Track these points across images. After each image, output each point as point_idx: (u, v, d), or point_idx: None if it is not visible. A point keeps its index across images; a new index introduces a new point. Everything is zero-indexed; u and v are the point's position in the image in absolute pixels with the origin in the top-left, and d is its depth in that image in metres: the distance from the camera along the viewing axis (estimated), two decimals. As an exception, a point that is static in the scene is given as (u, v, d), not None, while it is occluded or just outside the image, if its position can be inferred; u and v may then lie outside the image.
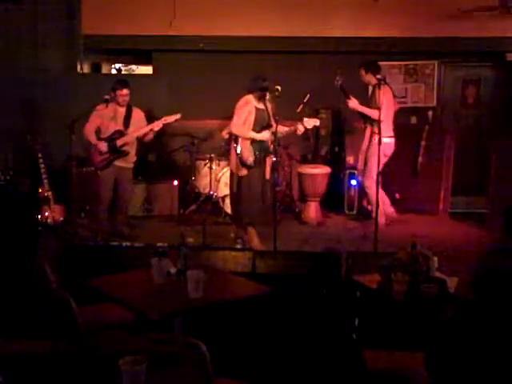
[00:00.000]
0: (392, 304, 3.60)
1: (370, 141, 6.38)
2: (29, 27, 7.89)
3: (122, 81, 6.01)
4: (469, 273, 2.41)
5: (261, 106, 5.60)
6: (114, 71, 9.63)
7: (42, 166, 6.14)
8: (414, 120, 7.95)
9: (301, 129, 5.59)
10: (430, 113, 7.46)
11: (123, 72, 9.69)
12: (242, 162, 5.56)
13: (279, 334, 4.26)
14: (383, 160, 6.27)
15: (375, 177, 6.09)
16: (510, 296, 2.24)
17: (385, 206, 6.40)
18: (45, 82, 7.83)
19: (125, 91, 5.87)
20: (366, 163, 6.46)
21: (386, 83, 6.39)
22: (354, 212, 7.40)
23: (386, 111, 6.14)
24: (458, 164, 7.44)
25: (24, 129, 7.54)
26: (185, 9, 7.77)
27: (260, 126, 5.59)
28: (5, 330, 3.88)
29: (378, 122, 5.77)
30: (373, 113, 6.22)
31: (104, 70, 9.20)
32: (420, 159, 7.30)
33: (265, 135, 5.56)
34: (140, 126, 5.94)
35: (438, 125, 7.80)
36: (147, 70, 8.89)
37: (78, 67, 8.16)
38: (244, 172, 5.60)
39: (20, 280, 4.66)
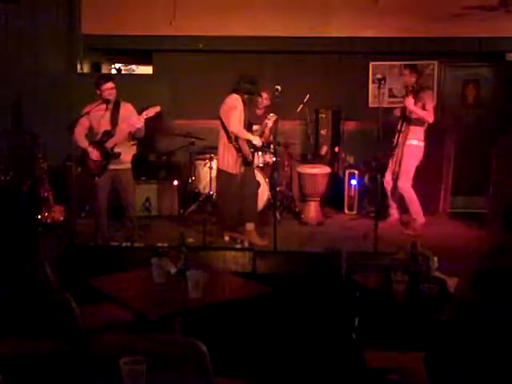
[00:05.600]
0: (392, 304, 3.60)
1: (404, 143, 6.38)
2: (28, 27, 7.89)
3: (105, 75, 5.92)
4: (469, 273, 2.41)
5: (245, 109, 5.75)
6: (114, 71, 9.64)
7: (42, 166, 6.14)
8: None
9: (269, 124, 5.83)
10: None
11: (123, 72, 9.70)
12: (245, 160, 5.74)
13: (279, 334, 4.26)
14: (416, 163, 6.42)
15: (410, 179, 6.32)
16: (510, 295, 2.24)
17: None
18: (45, 82, 7.83)
19: (109, 85, 5.64)
20: (400, 165, 6.42)
21: (427, 88, 6.51)
22: (354, 212, 7.42)
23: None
24: (458, 164, 7.44)
25: (24, 129, 7.54)
26: (185, 9, 7.77)
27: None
28: (5, 329, 3.88)
29: (425, 123, 6.22)
30: (427, 115, 6.28)
31: (104, 70, 9.21)
32: (420, 159, 7.29)
33: (256, 140, 5.75)
34: (129, 122, 5.66)
35: (438, 125, 7.80)
36: (147, 69, 8.91)
37: (78, 67, 8.16)
38: (241, 170, 5.77)
39: (20, 280, 4.66)
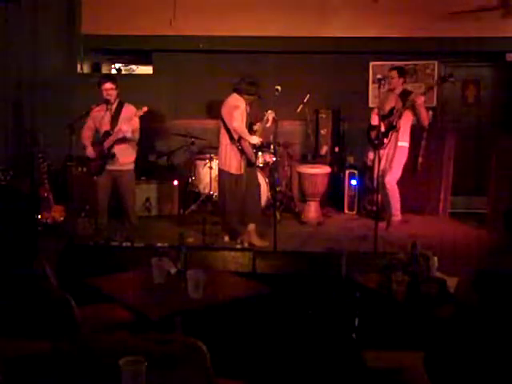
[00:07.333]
0: (392, 304, 3.60)
1: (396, 145, 6.42)
2: (29, 27, 7.89)
3: (106, 75, 5.88)
4: (469, 273, 2.41)
5: (247, 109, 5.75)
6: (114, 71, 9.64)
7: (42, 166, 6.13)
8: (413, 120, 7.97)
9: (269, 118, 5.76)
10: (430, 113, 7.46)
11: (123, 72, 9.69)
12: (248, 161, 5.75)
13: (279, 334, 4.26)
14: (404, 162, 6.53)
15: (398, 177, 6.44)
16: (510, 296, 2.24)
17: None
18: (45, 82, 7.83)
19: (108, 85, 5.61)
20: (390, 164, 6.46)
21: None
22: (354, 212, 7.41)
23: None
24: (458, 164, 7.43)
25: (24, 129, 7.55)
26: (185, 9, 7.77)
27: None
28: (5, 329, 3.88)
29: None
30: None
31: (104, 70, 9.20)
32: (420, 159, 7.30)
33: (255, 139, 5.73)
34: (120, 127, 5.59)
35: (438, 125, 7.80)
36: (147, 69, 8.90)
37: (78, 67, 8.16)
38: (243, 171, 5.75)
39: (20, 280, 4.66)
